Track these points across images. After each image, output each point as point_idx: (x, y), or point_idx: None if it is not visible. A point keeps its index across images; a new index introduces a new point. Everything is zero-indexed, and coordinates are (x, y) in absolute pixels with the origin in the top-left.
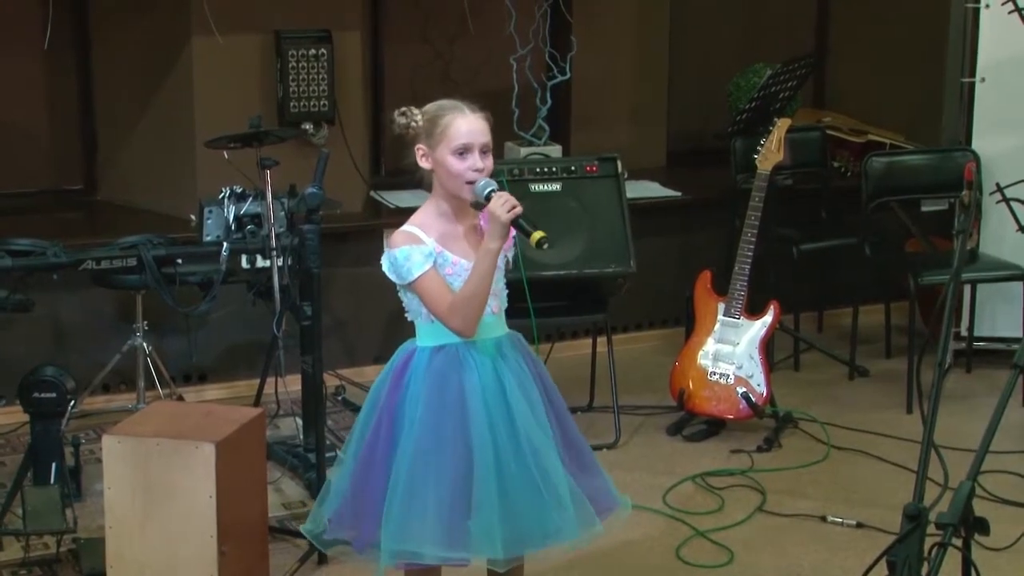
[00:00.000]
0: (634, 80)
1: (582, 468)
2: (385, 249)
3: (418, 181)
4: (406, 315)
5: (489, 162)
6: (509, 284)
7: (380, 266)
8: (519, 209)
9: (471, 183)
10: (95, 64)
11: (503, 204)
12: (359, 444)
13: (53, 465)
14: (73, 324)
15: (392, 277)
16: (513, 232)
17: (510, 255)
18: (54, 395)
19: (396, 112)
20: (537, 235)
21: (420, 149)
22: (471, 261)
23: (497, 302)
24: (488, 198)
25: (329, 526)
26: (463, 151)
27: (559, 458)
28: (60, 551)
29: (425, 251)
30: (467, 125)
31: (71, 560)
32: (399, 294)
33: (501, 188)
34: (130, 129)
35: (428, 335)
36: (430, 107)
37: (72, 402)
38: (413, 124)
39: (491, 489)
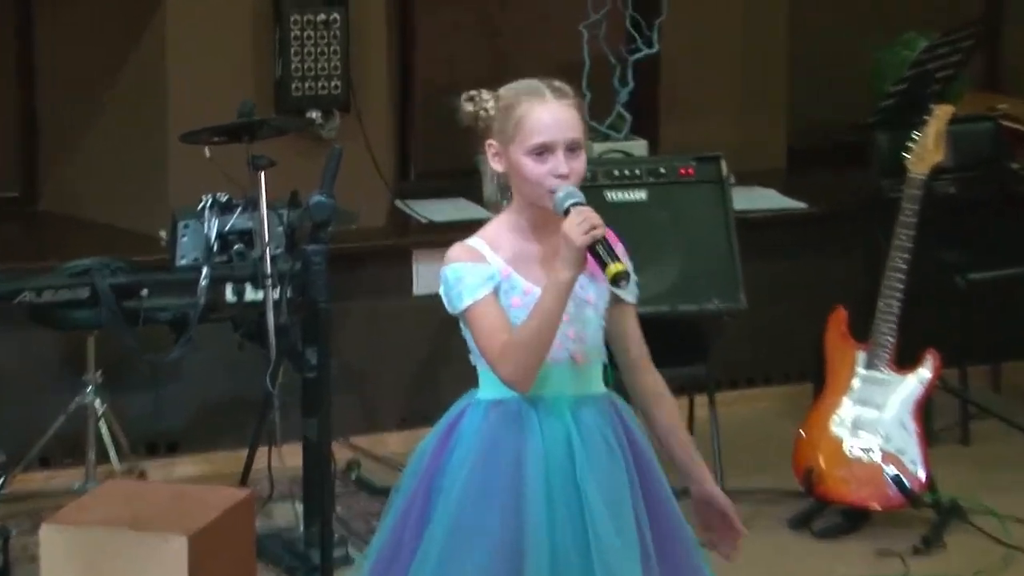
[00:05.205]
0: (743, 55)
1: None
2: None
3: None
4: (469, 356)
5: (579, 163)
6: None
7: (408, 300)
8: (599, 231)
9: (555, 192)
10: (39, 35)
11: (580, 224)
12: (386, 532)
13: None
14: (5, 374)
15: (445, 302)
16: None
17: (623, 291)
18: None
19: (463, 96)
20: (615, 268)
21: (492, 146)
22: None
23: (583, 350)
24: (567, 213)
25: None
26: (541, 151)
27: (639, 568)
28: None
29: (485, 272)
30: (548, 116)
31: None
32: (460, 326)
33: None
34: (82, 122)
35: (489, 385)
36: (506, 90)
37: (1, 479)
38: (483, 113)
39: None
